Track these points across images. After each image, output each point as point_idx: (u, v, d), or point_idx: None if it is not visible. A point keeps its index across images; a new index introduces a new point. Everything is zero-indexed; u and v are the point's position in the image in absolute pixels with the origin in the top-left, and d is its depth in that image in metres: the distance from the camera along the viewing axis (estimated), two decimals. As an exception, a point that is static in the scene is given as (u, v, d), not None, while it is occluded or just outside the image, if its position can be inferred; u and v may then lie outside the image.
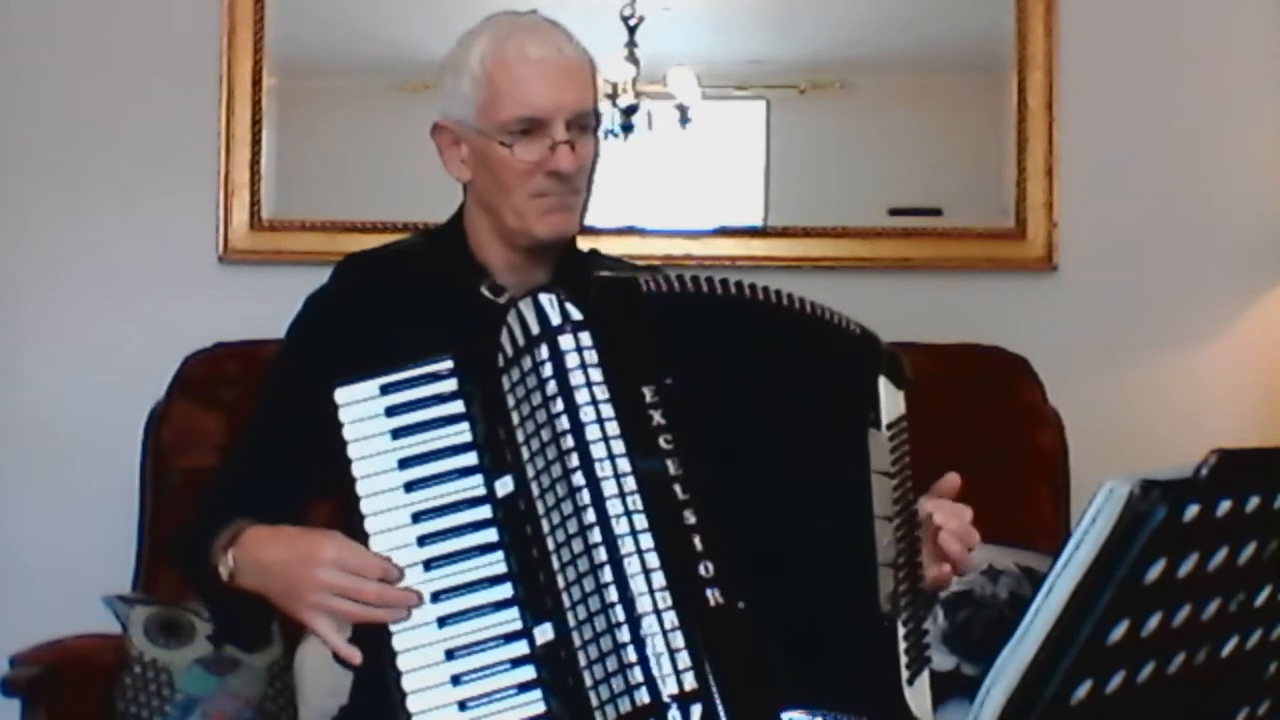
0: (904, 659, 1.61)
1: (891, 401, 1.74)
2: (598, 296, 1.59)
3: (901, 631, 1.62)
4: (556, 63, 1.80)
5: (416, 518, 1.58)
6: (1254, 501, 1.12)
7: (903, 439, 1.74)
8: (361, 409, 1.61)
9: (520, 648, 1.55)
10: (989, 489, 3.02)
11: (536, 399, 1.54)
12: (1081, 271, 3.31)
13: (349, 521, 1.60)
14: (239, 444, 1.93)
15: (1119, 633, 1.08)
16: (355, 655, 1.59)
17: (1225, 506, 1.10)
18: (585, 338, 1.55)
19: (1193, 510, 1.07)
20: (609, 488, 1.50)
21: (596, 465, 1.51)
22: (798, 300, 1.67)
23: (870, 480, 1.65)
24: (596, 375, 1.53)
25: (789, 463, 1.62)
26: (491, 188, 1.84)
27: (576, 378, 1.53)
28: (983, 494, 2.98)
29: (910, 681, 1.62)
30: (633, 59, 3.24)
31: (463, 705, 1.54)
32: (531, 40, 1.81)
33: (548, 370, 1.54)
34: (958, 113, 3.39)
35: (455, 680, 1.54)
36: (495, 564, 1.57)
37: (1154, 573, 1.08)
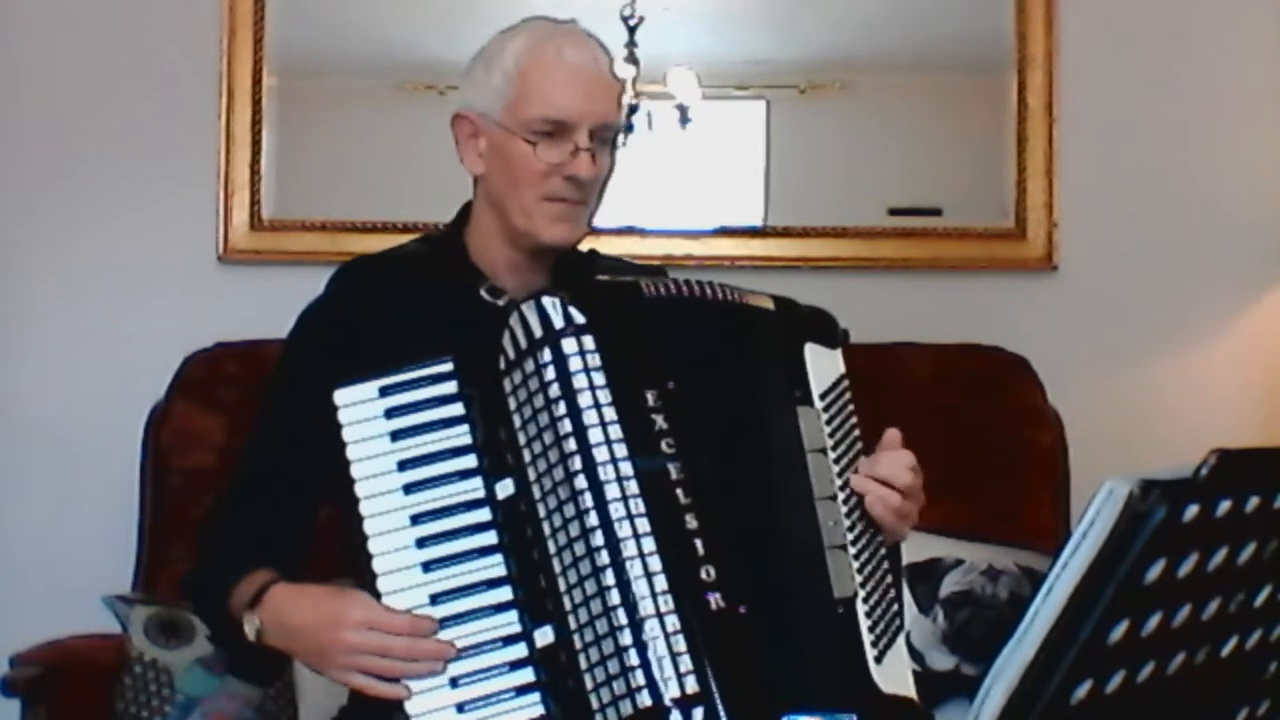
0: (869, 638, 1.61)
1: (825, 367, 1.74)
2: (600, 300, 1.60)
3: (863, 609, 1.62)
4: (591, 71, 1.82)
5: (415, 520, 1.58)
6: (1254, 501, 1.13)
7: (842, 404, 1.74)
8: (361, 410, 1.61)
9: (519, 650, 1.55)
10: (989, 489, 3.05)
11: (539, 401, 1.55)
12: (1081, 271, 3.31)
13: (347, 524, 1.60)
14: (242, 465, 1.91)
15: (1119, 633, 1.08)
16: (402, 692, 1.56)
17: (1225, 506, 1.10)
18: (588, 341, 1.55)
19: (1193, 510, 1.07)
20: (612, 490, 1.51)
21: (599, 468, 1.52)
22: (708, 286, 1.68)
23: (806, 463, 1.65)
24: (599, 379, 1.54)
25: (753, 459, 1.62)
26: (505, 184, 1.84)
27: (579, 381, 1.54)
28: (983, 494, 3.01)
29: (879, 659, 1.61)
30: (633, 59, 3.24)
31: (461, 708, 1.54)
32: (569, 45, 1.83)
33: (550, 373, 1.54)
34: (958, 113, 3.38)
35: (454, 683, 1.55)
36: (494, 567, 1.57)
37: (1154, 573, 1.08)
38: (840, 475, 1.68)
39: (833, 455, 1.69)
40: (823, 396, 1.71)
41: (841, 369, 1.77)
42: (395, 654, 1.56)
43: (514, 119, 1.81)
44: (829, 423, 1.70)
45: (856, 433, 1.74)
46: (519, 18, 1.91)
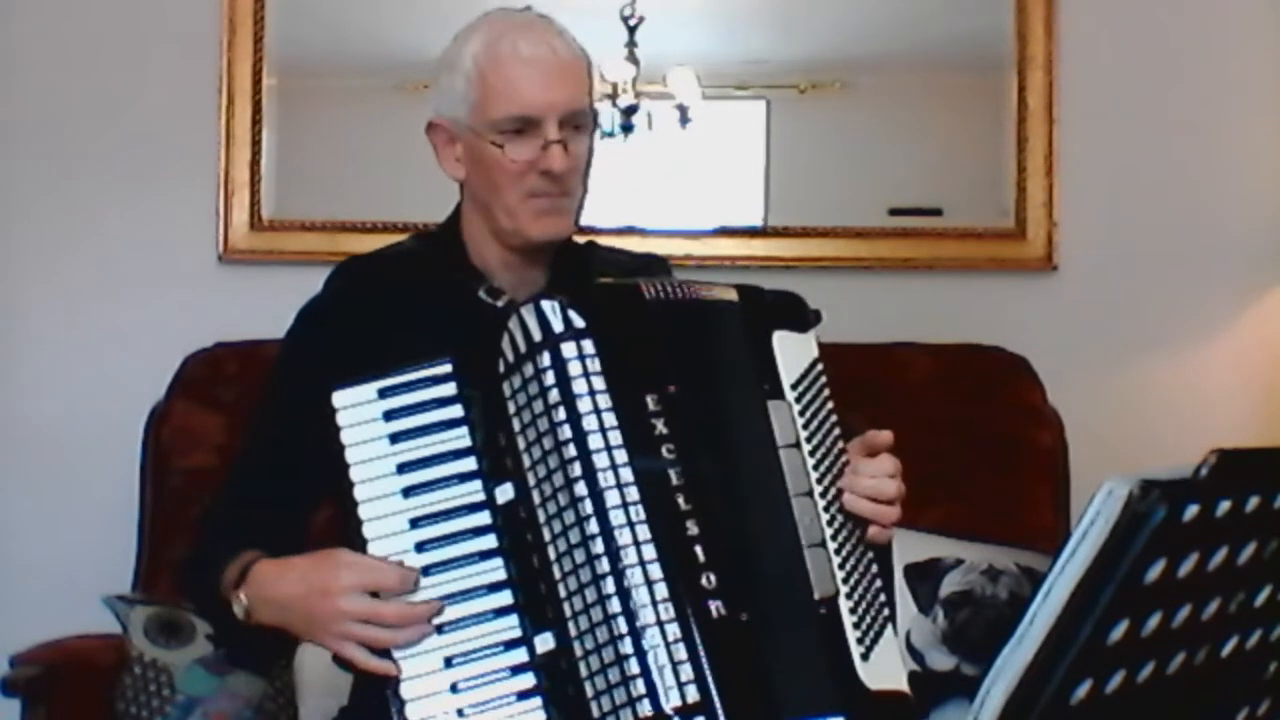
0: (854, 634, 1.58)
1: (796, 354, 1.70)
2: (600, 303, 1.58)
3: (847, 606, 1.59)
4: (549, 61, 1.79)
5: (414, 523, 1.58)
6: (1254, 501, 1.13)
7: (816, 391, 1.70)
8: (359, 412, 1.60)
9: (520, 655, 1.54)
10: (989, 489, 3.05)
11: (538, 406, 1.54)
12: (1081, 271, 3.31)
13: (346, 526, 1.60)
14: (239, 460, 1.92)
15: (1119, 633, 1.08)
16: (392, 669, 1.56)
17: (1225, 506, 1.10)
18: (588, 345, 1.55)
19: (1193, 510, 1.07)
20: (611, 497, 1.50)
21: (599, 474, 1.51)
22: (670, 285, 1.65)
23: (779, 460, 1.62)
24: (599, 383, 1.54)
25: (725, 459, 1.59)
26: (485, 187, 1.83)
27: (579, 385, 1.53)
28: (983, 494, 3.00)
29: (865, 656, 1.59)
30: (633, 59, 3.24)
31: (461, 712, 1.53)
32: (524, 38, 1.80)
33: (550, 378, 1.54)
34: (958, 113, 3.38)
35: (454, 688, 1.54)
36: (495, 570, 1.57)
37: (1154, 573, 1.08)
38: (816, 469, 1.65)
39: (808, 448, 1.65)
40: (794, 386, 1.67)
41: (814, 353, 1.72)
42: (388, 619, 1.55)
43: (481, 121, 1.80)
44: (802, 413, 1.66)
45: (833, 419, 1.70)
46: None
